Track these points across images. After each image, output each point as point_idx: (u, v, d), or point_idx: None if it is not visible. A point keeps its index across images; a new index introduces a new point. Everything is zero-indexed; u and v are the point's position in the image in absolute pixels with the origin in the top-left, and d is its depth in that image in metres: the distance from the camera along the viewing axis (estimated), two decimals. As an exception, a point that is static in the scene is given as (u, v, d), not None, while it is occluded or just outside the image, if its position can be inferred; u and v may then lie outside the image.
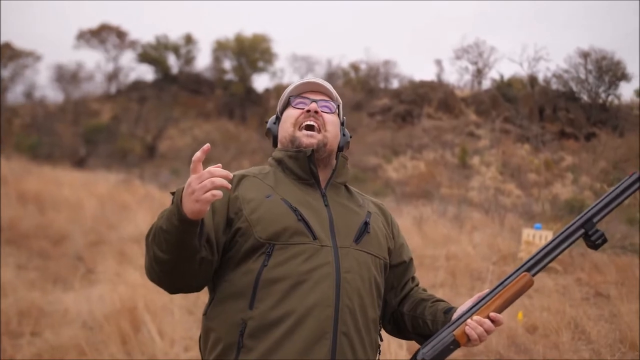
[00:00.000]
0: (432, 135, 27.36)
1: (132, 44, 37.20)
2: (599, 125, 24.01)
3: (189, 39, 37.91)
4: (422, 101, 30.54)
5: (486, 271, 6.81)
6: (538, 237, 7.83)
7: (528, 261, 1.43)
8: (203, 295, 4.00)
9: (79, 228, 8.56)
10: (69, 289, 5.70)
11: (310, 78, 1.62)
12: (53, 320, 4.70)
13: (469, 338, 1.37)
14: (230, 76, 37.22)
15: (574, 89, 27.88)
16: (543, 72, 41.95)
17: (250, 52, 36.83)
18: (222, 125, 32.12)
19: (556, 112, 27.10)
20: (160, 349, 4.03)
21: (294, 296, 1.31)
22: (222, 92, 35.86)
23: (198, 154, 1.22)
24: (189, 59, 38.42)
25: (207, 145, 1.23)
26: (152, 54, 37.35)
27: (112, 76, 37.24)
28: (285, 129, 1.57)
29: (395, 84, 36.66)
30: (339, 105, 1.63)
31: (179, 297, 4.71)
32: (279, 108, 1.65)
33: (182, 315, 4.75)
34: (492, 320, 1.38)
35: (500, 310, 1.40)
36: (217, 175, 1.21)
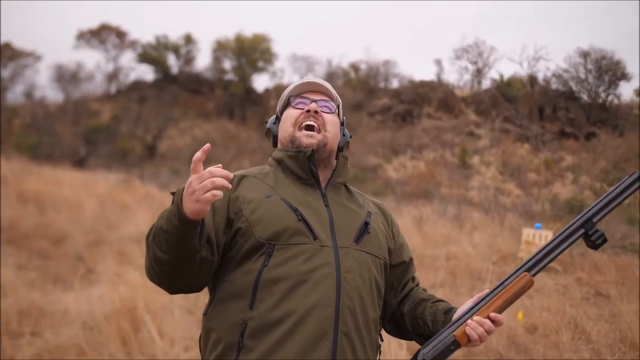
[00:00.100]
0: (432, 135, 27.36)
1: (132, 44, 37.22)
2: (599, 124, 24.01)
3: (188, 39, 37.93)
4: (422, 101, 30.52)
5: (486, 271, 6.81)
6: (538, 236, 7.83)
7: (528, 261, 1.43)
8: (203, 296, 3.99)
9: (79, 228, 8.56)
10: (69, 289, 5.70)
11: (310, 78, 1.62)
12: (53, 320, 4.69)
13: (469, 338, 1.37)
14: (230, 76, 37.23)
15: (574, 88, 27.88)
16: (543, 71, 42.04)
17: (250, 52, 36.81)
18: (222, 125, 32.12)
19: (556, 112, 27.09)
20: (160, 349, 4.03)
21: (295, 296, 1.31)
22: (222, 92, 35.84)
23: (198, 154, 1.22)
24: (188, 59, 38.44)
25: (207, 145, 1.23)
26: (152, 54, 37.33)
27: (112, 76, 37.26)
28: (285, 129, 1.56)
29: (395, 84, 36.66)
30: (338, 105, 1.63)
31: (179, 297, 4.70)
32: (278, 108, 1.65)
33: (182, 315, 4.75)
34: (493, 321, 1.38)
35: (500, 310, 1.40)
36: (217, 175, 1.21)
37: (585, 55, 26.77)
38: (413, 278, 1.65)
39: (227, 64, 37.59)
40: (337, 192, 1.55)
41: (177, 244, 1.25)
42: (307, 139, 1.51)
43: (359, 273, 1.40)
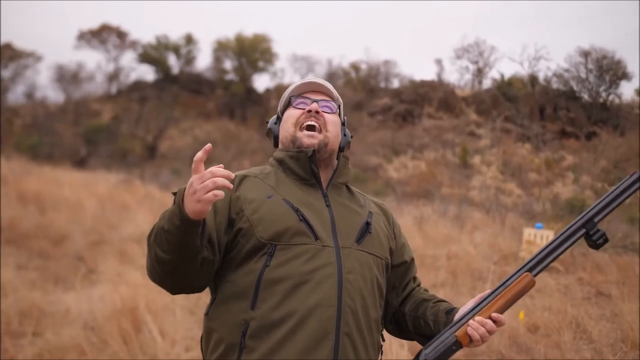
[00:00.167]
0: (433, 134, 27.34)
1: (133, 44, 37.24)
2: (600, 124, 23.96)
3: (189, 39, 37.93)
4: (422, 101, 30.50)
5: (487, 271, 6.80)
6: (539, 236, 7.82)
7: (529, 261, 1.43)
8: (204, 296, 4.00)
9: (80, 228, 8.56)
10: (70, 289, 5.70)
11: (311, 78, 1.62)
12: (54, 320, 4.70)
13: (471, 339, 1.37)
14: (230, 76, 37.23)
15: (575, 88, 27.85)
16: (543, 71, 42.01)
17: (251, 52, 36.81)
18: (222, 125, 32.12)
19: (557, 112, 27.06)
20: (162, 349, 4.03)
21: (296, 296, 1.31)
22: (222, 92, 35.84)
23: (200, 154, 1.22)
24: (189, 59, 38.44)
25: (208, 145, 1.23)
26: (152, 54, 37.34)
27: (113, 76, 37.27)
28: (286, 129, 1.56)
29: (395, 84, 36.62)
30: (339, 105, 1.63)
31: (180, 298, 4.70)
32: (279, 108, 1.65)
33: (184, 315, 4.75)
34: (494, 321, 1.38)
35: (502, 310, 1.39)
36: (218, 175, 1.21)
37: (586, 54, 26.76)
38: (414, 278, 1.65)
39: (228, 64, 37.66)
40: (338, 192, 1.55)
41: (178, 244, 1.25)
42: (308, 139, 1.51)
43: (360, 273, 1.39)
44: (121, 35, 36.91)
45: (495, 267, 7.05)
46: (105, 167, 20.99)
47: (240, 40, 36.76)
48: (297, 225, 1.38)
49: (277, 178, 1.51)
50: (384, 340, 1.51)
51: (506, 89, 30.53)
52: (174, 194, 1.29)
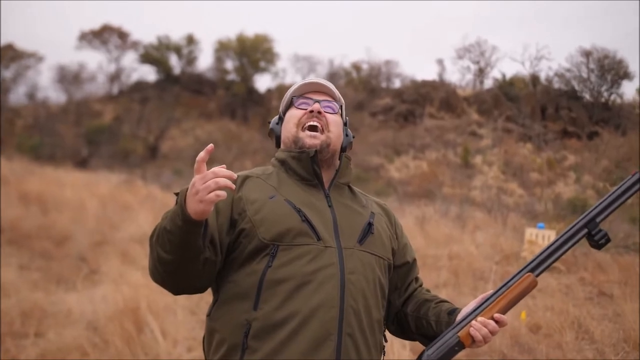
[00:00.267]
0: (434, 134, 27.33)
1: (134, 45, 37.21)
2: (602, 124, 23.91)
3: (190, 40, 37.91)
4: (424, 101, 30.48)
5: (489, 271, 6.80)
6: (541, 236, 7.81)
7: (531, 262, 1.42)
8: (206, 296, 4.00)
9: (82, 228, 8.57)
10: (72, 290, 5.71)
11: (312, 78, 1.62)
12: (56, 320, 4.70)
13: (473, 339, 1.37)
14: (232, 76, 37.17)
15: (576, 87, 27.79)
16: (545, 71, 41.87)
17: (252, 52, 36.78)
18: (224, 125, 32.13)
19: (558, 111, 27.02)
20: (164, 350, 4.03)
21: (299, 297, 1.31)
22: (224, 92, 35.83)
23: (202, 154, 1.22)
24: (190, 60, 38.42)
25: (210, 146, 1.23)
26: (154, 55, 37.33)
27: (114, 77, 37.26)
28: (288, 129, 1.56)
29: (397, 84, 36.57)
30: (341, 106, 1.63)
31: (182, 298, 4.71)
32: (281, 108, 1.65)
33: (185, 315, 4.76)
34: (497, 321, 1.38)
35: (504, 311, 1.39)
36: (221, 175, 1.21)
37: (587, 54, 26.71)
38: (416, 279, 1.65)
39: (229, 64, 37.61)
40: (340, 192, 1.55)
41: (180, 245, 1.25)
42: (310, 139, 1.51)
43: (363, 274, 1.39)
44: (122, 35, 36.94)
45: (497, 267, 7.04)
46: (107, 167, 21.03)
47: (241, 40, 36.75)
48: (299, 225, 1.38)
49: (279, 178, 1.51)
50: (386, 340, 1.51)
51: (508, 89, 30.50)
52: (176, 194, 1.29)
